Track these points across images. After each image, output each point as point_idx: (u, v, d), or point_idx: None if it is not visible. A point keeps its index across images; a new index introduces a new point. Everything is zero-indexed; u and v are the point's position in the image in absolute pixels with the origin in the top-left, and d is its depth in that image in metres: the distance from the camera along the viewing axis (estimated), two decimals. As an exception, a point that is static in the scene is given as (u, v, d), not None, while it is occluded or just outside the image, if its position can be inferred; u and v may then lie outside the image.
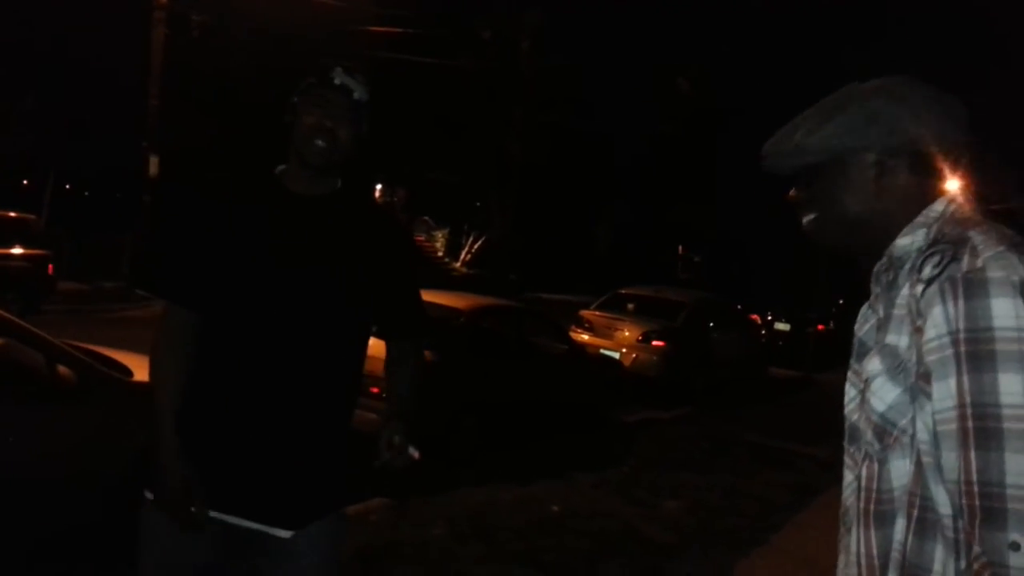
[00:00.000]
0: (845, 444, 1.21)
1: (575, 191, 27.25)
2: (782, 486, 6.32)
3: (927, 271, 1.04)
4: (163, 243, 1.82)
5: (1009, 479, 0.93)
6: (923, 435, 1.04)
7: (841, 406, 1.22)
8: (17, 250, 10.95)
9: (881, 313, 1.15)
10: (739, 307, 13.96)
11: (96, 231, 16.91)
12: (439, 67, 19.37)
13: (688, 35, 26.28)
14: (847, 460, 1.21)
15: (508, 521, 4.64)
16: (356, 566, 3.73)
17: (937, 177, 1.17)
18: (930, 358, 1.01)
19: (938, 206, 1.15)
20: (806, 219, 1.25)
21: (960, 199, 1.16)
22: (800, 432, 8.62)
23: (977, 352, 0.96)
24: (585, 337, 10.59)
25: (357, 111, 1.77)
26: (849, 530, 1.18)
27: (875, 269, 1.19)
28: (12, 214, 11.34)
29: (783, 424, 9.38)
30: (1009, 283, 0.97)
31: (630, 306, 11.59)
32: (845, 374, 1.23)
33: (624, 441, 7.49)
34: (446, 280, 20.73)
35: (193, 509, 1.67)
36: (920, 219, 1.15)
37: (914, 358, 1.04)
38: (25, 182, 21.55)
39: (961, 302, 0.98)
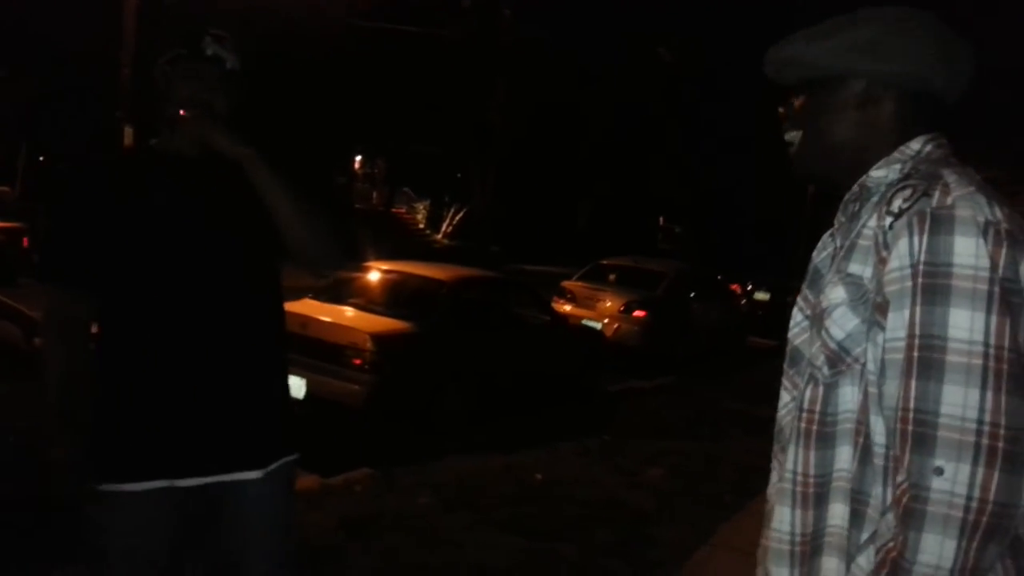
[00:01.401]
0: (785, 367, 1.24)
1: (556, 162, 27.16)
2: (760, 452, 6.38)
3: (897, 204, 1.06)
4: (51, 230, 1.82)
5: (944, 408, 0.96)
6: (872, 365, 1.07)
7: None
8: (-9, 223, 10.79)
9: (839, 242, 1.17)
10: (719, 277, 14.03)
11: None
12: (419, 36, 19.15)
13: (669, 3, 26.09)
14: (785, 382, 1.24)
15: (493, 489, 4.67)
16: (341, 536, 3.74)
17: (921, 117, 1.18)
18: (889, 288, 1.03)
19: (915, 144, 1.16)
20: (788, 137, 1.26)
21: (937, 140, 1.17)
22: (777, 399, 8.71)
23: (933, 285, 0.98)
24: (567, 308, 10.62)
25: (230, 80, 1.77)
26: (784, 448, 1.22)
27: (845, 198, 1.20)
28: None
29: (761, 392, 9.45)
30: (975, 223, 0.99)
31: (611, 277, 11.62)
32: None
33: (607, 410, 7.55)
34: (427, 252, 20.66)
35: (80, 485, 1.70)
36: (896, 155, 1.16)
37: (875, 289, 1.06)
38: (-3, 154, 21.13)
39: (926, 236, 1.00)
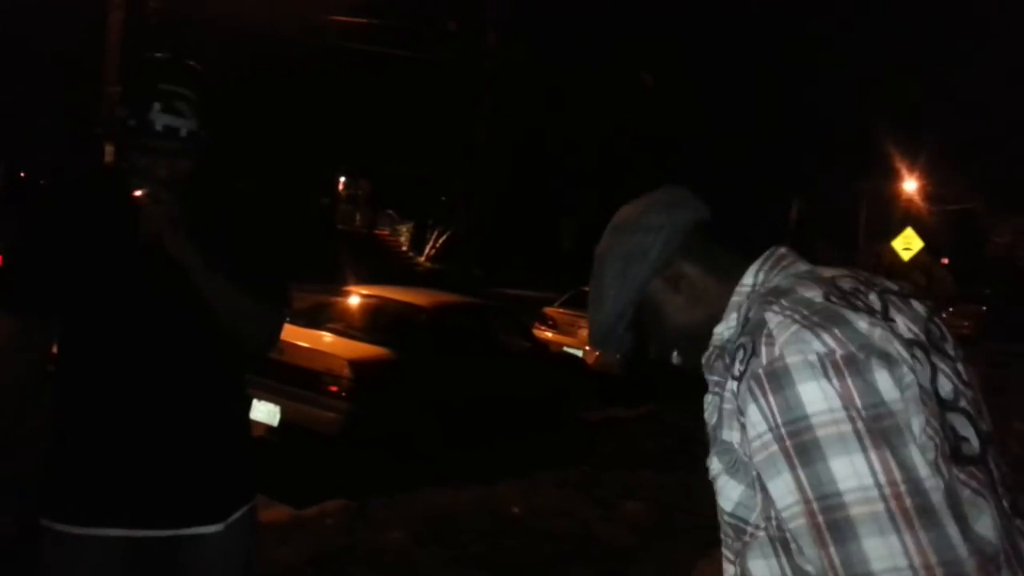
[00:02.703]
0: (721, 536, 1.18)
1: (541, 186, 27.23)
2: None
3: (736, 367, 1.02)
4: (15, 254, 1.73)
5: (874, 565, 0.89)
6: (773, 531, 1.01)
7: None
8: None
9: (718, 404, 1.13)
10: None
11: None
12: (404, 58, 19.21)
13: (654, 26, 26.37)
14: (725, 552, 1.17)
15: (469, 523, 4.59)
16: (311, 571, 3.65)
17: (720, 260, 1.18)
18: (757, 458, 0.98)
19: (747, 280, 1.13)
20: (674, 359, 1.26)
21: (767, 263, 1.14)
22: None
23: (802, 444, 0.93)
24: (549, 334, 10.57)
25: (189, 143, 1.64)
26: None
27: (703, 360, 1.17)
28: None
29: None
30: (808, 365, 0.93)
31: (594, 303, 11.58)
32: None
33: (586, 440, 7.49)
34: (410, 275, 20.59)
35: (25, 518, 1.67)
36: (734, 299, 1.13)
37: (746, 454, 1.01)
38: (-24, 169, 20.92)
39: (771, 397, 0.95)
